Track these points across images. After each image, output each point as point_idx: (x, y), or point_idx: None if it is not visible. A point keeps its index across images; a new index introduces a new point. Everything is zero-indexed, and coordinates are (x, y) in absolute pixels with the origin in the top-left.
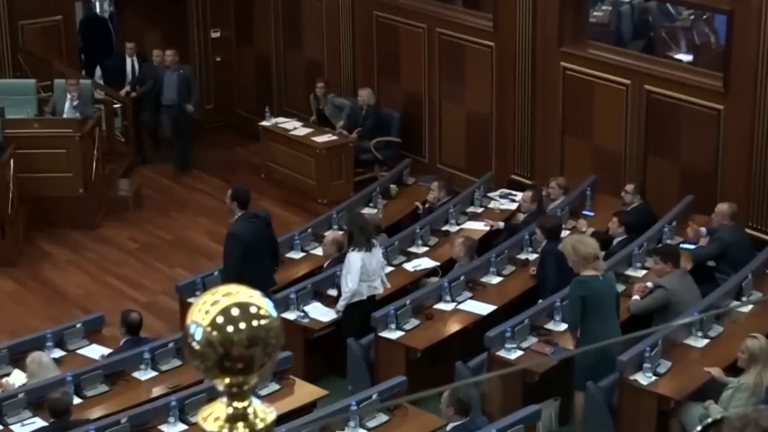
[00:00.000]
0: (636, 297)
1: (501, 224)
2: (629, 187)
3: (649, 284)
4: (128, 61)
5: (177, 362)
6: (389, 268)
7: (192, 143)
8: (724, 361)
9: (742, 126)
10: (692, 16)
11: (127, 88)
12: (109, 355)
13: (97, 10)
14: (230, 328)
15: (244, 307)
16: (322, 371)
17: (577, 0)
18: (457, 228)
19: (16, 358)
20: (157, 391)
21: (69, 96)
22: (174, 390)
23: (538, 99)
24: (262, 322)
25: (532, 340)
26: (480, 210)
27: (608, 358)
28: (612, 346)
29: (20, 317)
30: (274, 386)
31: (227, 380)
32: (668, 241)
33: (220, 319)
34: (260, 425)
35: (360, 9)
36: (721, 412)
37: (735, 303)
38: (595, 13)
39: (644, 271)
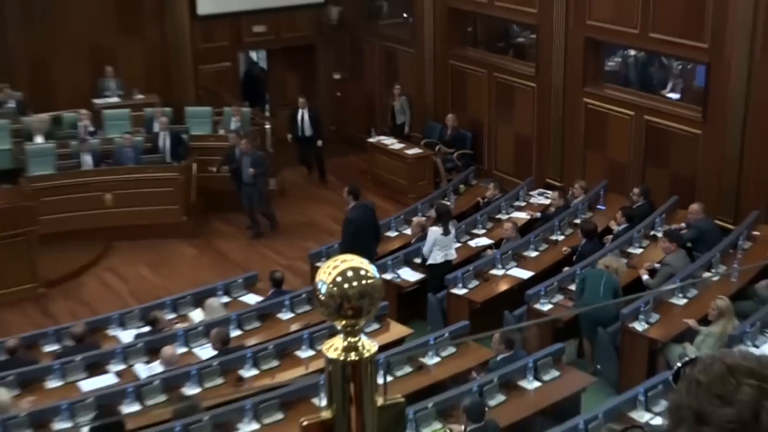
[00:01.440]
0: (643, 271)
1: (538, 214)
2: (636, 191)
3: (656, 265)
4: (299, 112)
5: (308, 307)
6: (457, 244)
7: (267, 210)
8: (698, 315)
9: (715, 146)
10: (680, 66)
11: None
12: (261, 301)
13: (254, 58)
14: (346, 285)
15: (356, 270)
16: (409, 316)
17: (596, 53)
18: (507, 216)
19: (197, 302)
20: (294, 327)
21: (233, 119)
22: (306, 327)
23: (567, 124)
24: (369, 281)
25: (559, 297)
26: (523, 204)
27: (598, 318)
28: (600, 309)
29: (199, 274)
30: (375, 326)
31: (343, 322)
32: (663, 228)
33: (339, 279)
34: (366, 354)
35: (439, 58)
36: (695, 352)
37: (707, 274)
38: (609, 63)
39: (641, 249)
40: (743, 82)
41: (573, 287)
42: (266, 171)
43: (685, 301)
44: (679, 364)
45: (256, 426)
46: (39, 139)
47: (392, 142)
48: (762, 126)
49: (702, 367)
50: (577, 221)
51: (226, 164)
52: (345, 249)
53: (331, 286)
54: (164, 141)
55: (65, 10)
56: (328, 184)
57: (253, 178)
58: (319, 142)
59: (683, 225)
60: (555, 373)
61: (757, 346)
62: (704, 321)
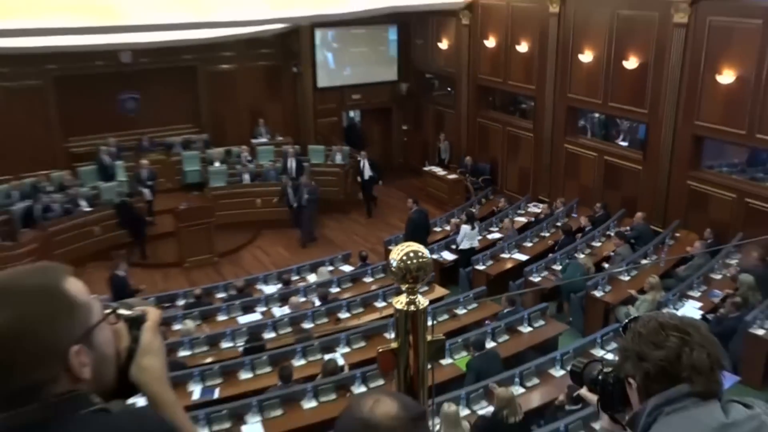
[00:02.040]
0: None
1: (533, 219)
2: (597, 205)
3: (611, 253)
4: (361, 162)
5: (383, 275)
6: (479, 237)
7: (311, 229)
8: (637, 287)
9: (650, 177)
10: (627, 123)
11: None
12: (353, 270)
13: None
14: (409, 262)
15: (415, 252)
16: (447, 282)
17: (573, 115)
18: (512, 220)
19: (313, 269)
20: (373, 287)
21: (338, 154)
22: (381, 287)
23: (553, 161)
24: (423, 259)
25: (545, 273)
26: (523, 212)
27: (572, 288)
28: (575, 282)
29: (314, 251)
30: (426, 288)
31: (406, 286)
32: (615, 230)
33: (404, 257)
34: (421, 307)
35: (471, 116)
36: (635, 312)
37: (644, 261)
38: (581, 122)
39: (600, 243)
40: (670, 136)
41: (556, 267)
42: (317, 198)
43: (629, 278)
44: (626, 321)
45: (347, 349)
46: (217, 164)
47: (438, 170)
48: (681, 165)
49: (642, 323)
50: (559, 224)
51: (283, 199)
52: (407, 238)
53: (399, 262)
54: (291, 164)
55: (234, 84)
56: (372, 218)
57: (308, 203)
58: (380, 182)
59: (629, 228)
60: (542, 322)
61: (677, 309)
62: (641, 291)
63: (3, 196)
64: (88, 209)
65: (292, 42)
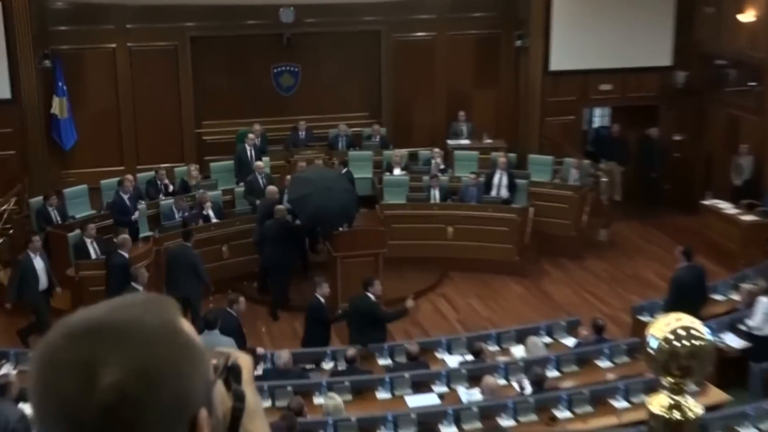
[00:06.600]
0: None
1: None
2: None
3: None
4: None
5: (626, 359)
6: None
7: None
8: None
9: None
10: None
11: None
12: (580, 346)
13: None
14: (678, 343)
15: (688, 328)
16: (729, 383)
17: None
18: None
19: (520, 338)
20: (610, 376)
21: (573, 170)
22: (622, 377)
23: None
24: (701, 342)
25: None
26: None
27: None
28: None
29: (524, 311)
30: (695, 388)
31: (669, 380)
32: None
33: (670, 335)
34: (692, 414)
35: None
36: None
37: None
38: None
39: None
40: None
41: None
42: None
43: None
44: None
45: None
46: (397, 171)
47: (726, 207)
48: None
49: None
50: None
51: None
52: (670, 307)
53: (662, 342)
54: (499, 179)
55: (430, 59)
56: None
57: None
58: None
59: None
60: None
61: None
62: None
63: (111, 194)
64: (216, 220)
65: (518, 4)
